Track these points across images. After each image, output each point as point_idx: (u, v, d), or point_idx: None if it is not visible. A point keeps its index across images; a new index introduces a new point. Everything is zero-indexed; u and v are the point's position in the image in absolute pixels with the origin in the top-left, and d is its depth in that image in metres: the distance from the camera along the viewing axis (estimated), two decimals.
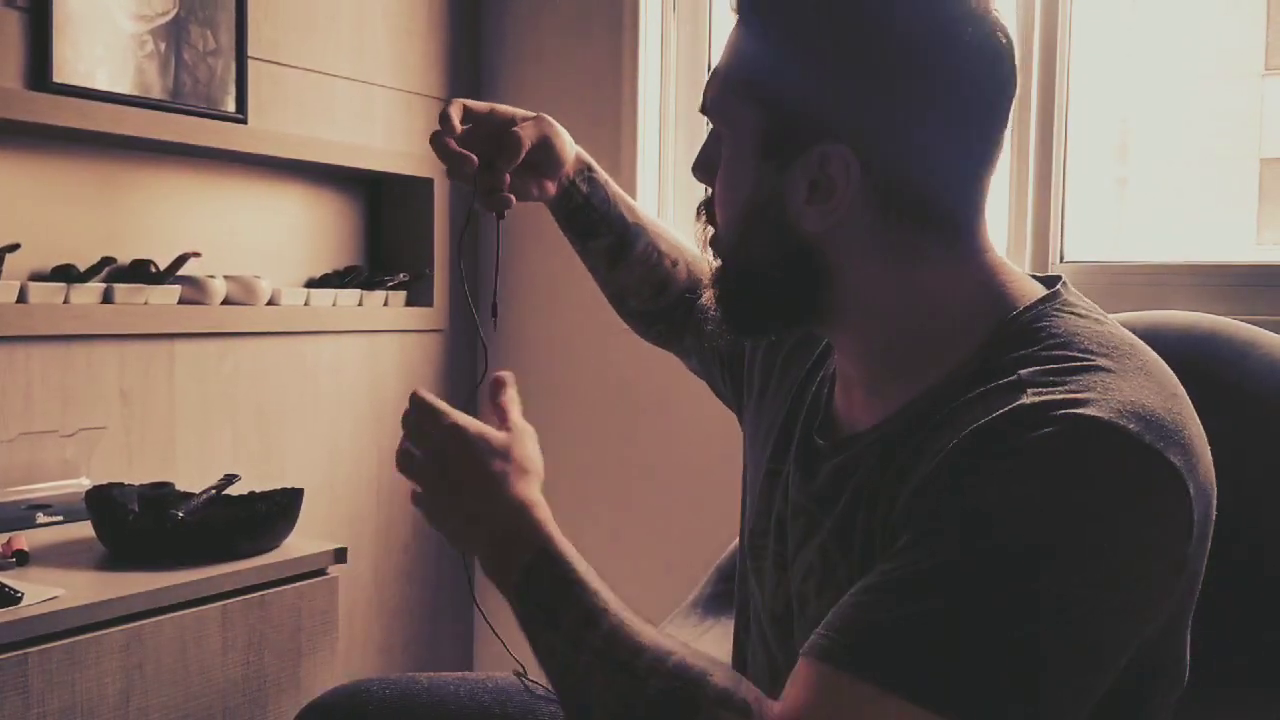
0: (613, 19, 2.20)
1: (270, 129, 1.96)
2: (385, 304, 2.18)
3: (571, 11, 2.27)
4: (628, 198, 1.18)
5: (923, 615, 0.65)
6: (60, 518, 1.62)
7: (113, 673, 1.31)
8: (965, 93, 0.77)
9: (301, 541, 1.58)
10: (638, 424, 2.23)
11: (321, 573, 1.56)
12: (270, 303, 1.96)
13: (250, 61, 1.92)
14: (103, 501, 1.49)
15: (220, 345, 1.92)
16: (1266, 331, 1.03)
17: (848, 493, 0.80)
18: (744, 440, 1.04)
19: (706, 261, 0.92)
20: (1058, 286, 0.82)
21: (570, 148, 1.12)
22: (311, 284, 2.13)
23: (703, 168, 0.87)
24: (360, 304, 2.13)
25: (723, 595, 1.40)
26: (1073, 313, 0.78)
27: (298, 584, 1.53)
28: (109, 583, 1.36)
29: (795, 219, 0.79)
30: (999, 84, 0.78)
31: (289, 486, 1.62)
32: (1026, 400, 0.69)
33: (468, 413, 0.91)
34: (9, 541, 1.44)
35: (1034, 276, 0.84)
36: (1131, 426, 0.67)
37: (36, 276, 1.70)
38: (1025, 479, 0.67)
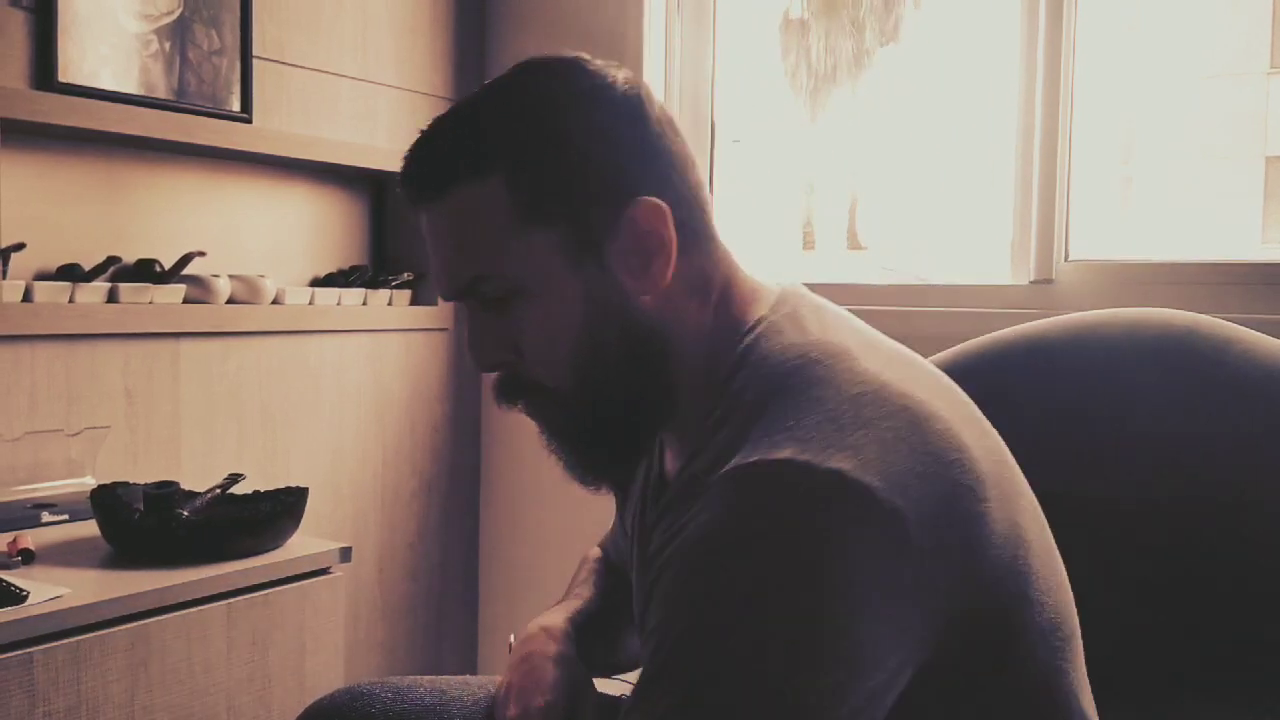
0: (617, 21, 2.20)
1: (275, 128, 1.96)
2: (390, 303, 2.18)
3: (576, 11, 2.27)
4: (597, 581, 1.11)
5: (669, 678, 0.66)
6: (65, 517, 1.62)
7: (117, 671, 1.31)
8: (642, 110, 0.80)
9: (306, 541, 1.59)
10: None
11: (325, 572, 1.56)
12: (275, 302, 1.97)
13: (255, 61, 1.93)
14: (108, 500, 1.49)
15: (225, 344, 1.92)
16: (1245, 329, 1.03)
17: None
18: None
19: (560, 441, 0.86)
20: (764, 314, 0.81)
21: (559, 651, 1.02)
22: (316, 283, 2.13)
23: (495, 347, 0.82)
24: (365, 303, 2.13)
25: None
26: (782, 331, 0.79)
27: (302, 583, 1.53)
28: (114, 582, 1.36)
29: (636, 298, 0.78)
30: (658, 128, 0.81)
31: (293, 486, 1.62)
32: (737, 462, 0.70)
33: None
34: (14, 540, 1.44)
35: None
36: (797, 455, 0.67)
37: (42, 276, 1.70)
38: (720, 545, 0.67)
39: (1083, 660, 0.79)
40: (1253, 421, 0.97)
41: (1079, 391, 1.04)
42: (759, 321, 0.80)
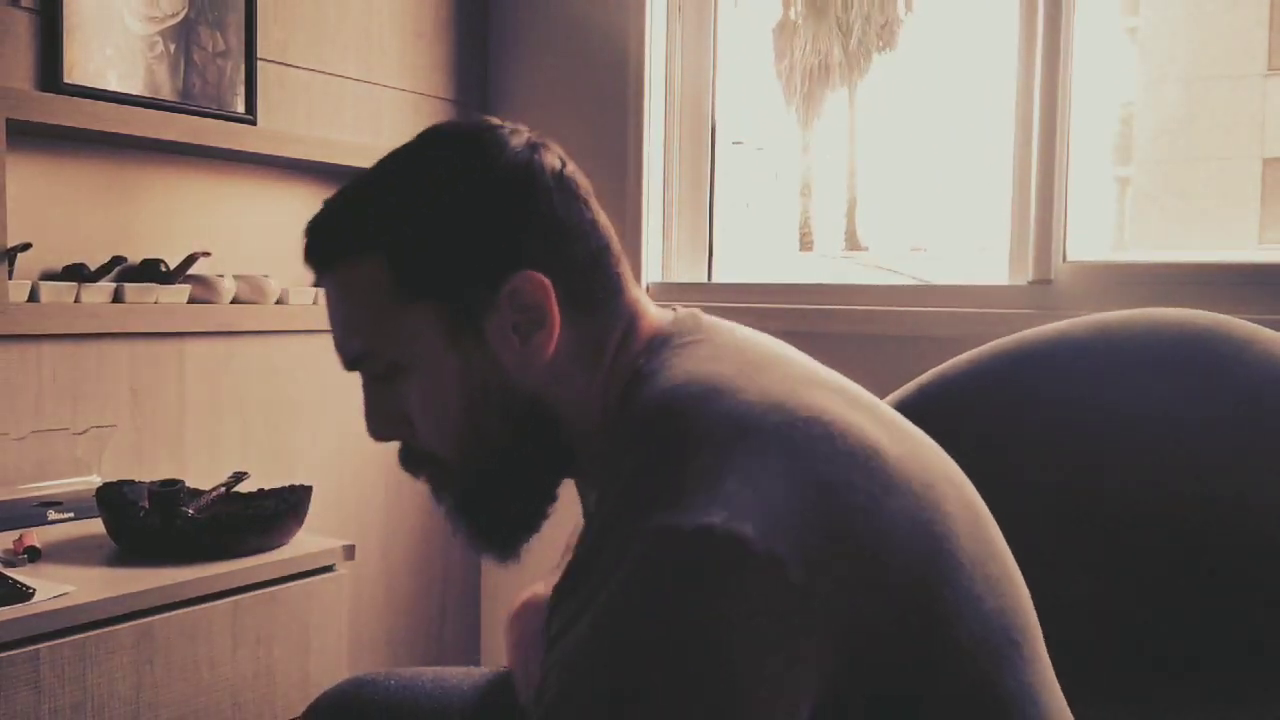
0: (618, 22, 2.21)
1: (279, 130, 1.97)
2: None
3: (579, 14, 2.28)
4: None
5: None
6: (71, 515, 1.63)
7: (123, 668, 1.32)
8: (529, 180, 0.80)
9: (310, 538, 1.59)
10: None
11: (330, 569, 1.57)
12: (279, 302, 1.98)
13: (259, 63, 1.94)
14: (113, 498, 1.50)
15: (229, 344, 1.93)
16: (1263, 328, 1.03)
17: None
18: None
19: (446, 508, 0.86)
20: (641, 361, 0.79)
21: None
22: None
23: (387, 420, 0.84)
24: None
25: None
26: (659, 369, 0.77)
27: (306, 580, 1.54)
28: (120, 579, 1.37)
29: (517, 373, 0.78)
30: (552, 198, 0.80)
31: (298, 484, 1.63)
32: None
33: None
34: (21, 538, 1.45)
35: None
36: (670, 520, 0.64)
37: (48, 276, 1.71)
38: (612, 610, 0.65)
39: (1045, 660, 0.76)
40: (1269, 421, 0.97)
41: (1100, 390, 1.05)
42: (638, 370, 0.79)
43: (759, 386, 0.72)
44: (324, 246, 0.82)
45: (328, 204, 0.83)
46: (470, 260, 0.78)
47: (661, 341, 0.80)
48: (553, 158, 0.82)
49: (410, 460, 0.85)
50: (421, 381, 0.80)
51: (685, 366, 0.76)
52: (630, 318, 0.82)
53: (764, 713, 0.63)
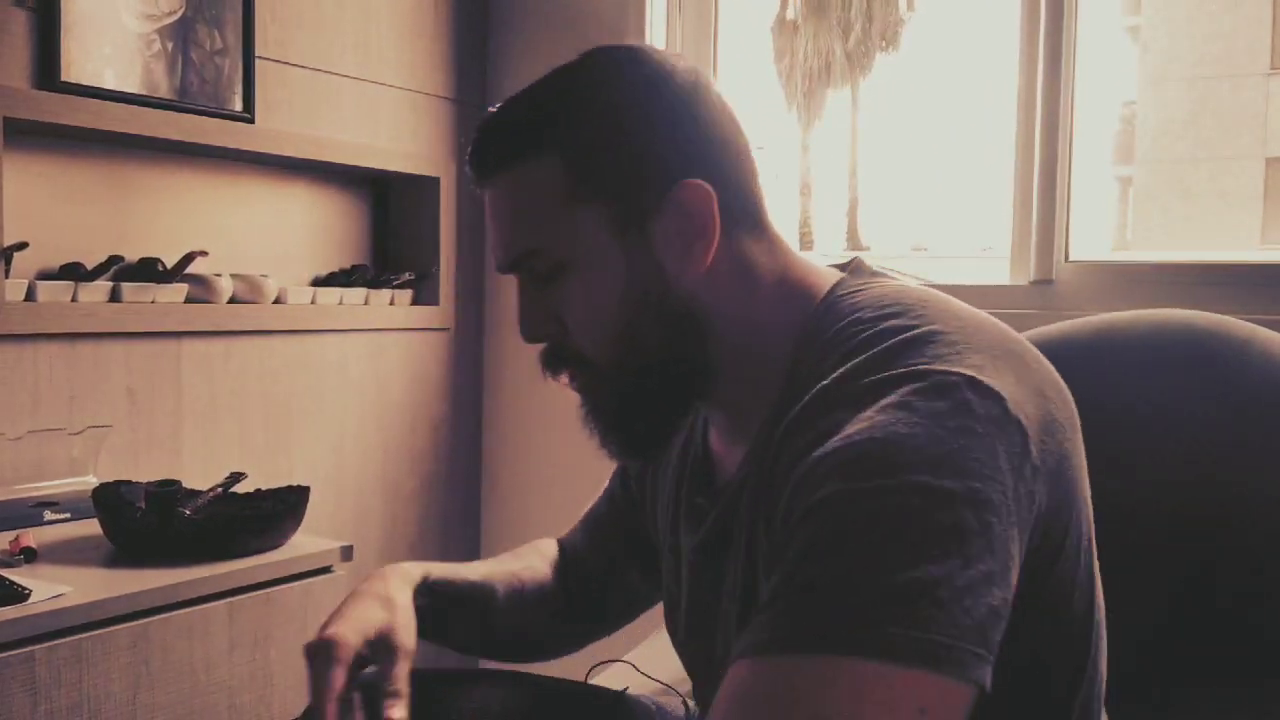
0: (619, 21, 2.21)
1: (277, 128, 1.97)
2: (391, 303, 2.19)
3: (578, 12, 2.27)
4: (479, 566, 1.09)
5: (826, 579, 0.64)
6: (67, 515, 1.62)
7: (119, 669, 1.31)
8: (699, 96, 0.83)
9: (308, 539, 1.59)
10: None
11: (327, 570, 1.57)
12: (277, 301, 1.97)
13: (257, 61, 1.93)
14: (110, 499, 1.50)
15: (227, 344, 1.93)
16: (1266, 329, 1.03)
17: (734, 537, 0.82)
18: (656, 541, 1.04)
19: (586, 408, 0.87)
20: (846, 272, 0.85)
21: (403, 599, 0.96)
22: (318, 282, 2.13)
23: (541, 321, 0.86)
24: (366, 303, 2.14)
25: None
26: (865, 284, 0.82)
27: (304, 582, 1.53)
28: (116, 580, 1.36)
29: (676, 278, 0.81)
30: (713, 116, 0.84)
31: (295, 484, 1.63)
32: (850, 404, 0.70)
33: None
34: (16, 539, 1.44)
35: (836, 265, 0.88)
36: (955, 371, 0.69)
37: (44, 275, 1.70)
38: (860, 451, 0.67)
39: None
40: (1270, 424, 0.97)
41: (1102, 391, 1.05)
42: (837, 285, 0.83)
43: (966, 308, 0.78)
44: (500, 149, 0.84)
45: (501, 109, 0.85)
46: (643, 164, 0.81)
47: (855, 269, 0.85)
48: (710, 83, 0.85)
49: (555, 360, 0.87)
50: (584, 281, 0.82)
51: (895, 282, 0.81)
52: (783, 254, 0.85)
53: (1012, 553, 0.66)
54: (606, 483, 1.14)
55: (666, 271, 0.81)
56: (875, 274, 0.86)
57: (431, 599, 0.98)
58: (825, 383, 0.73)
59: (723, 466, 0.90)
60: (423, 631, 0.94)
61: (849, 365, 0.73)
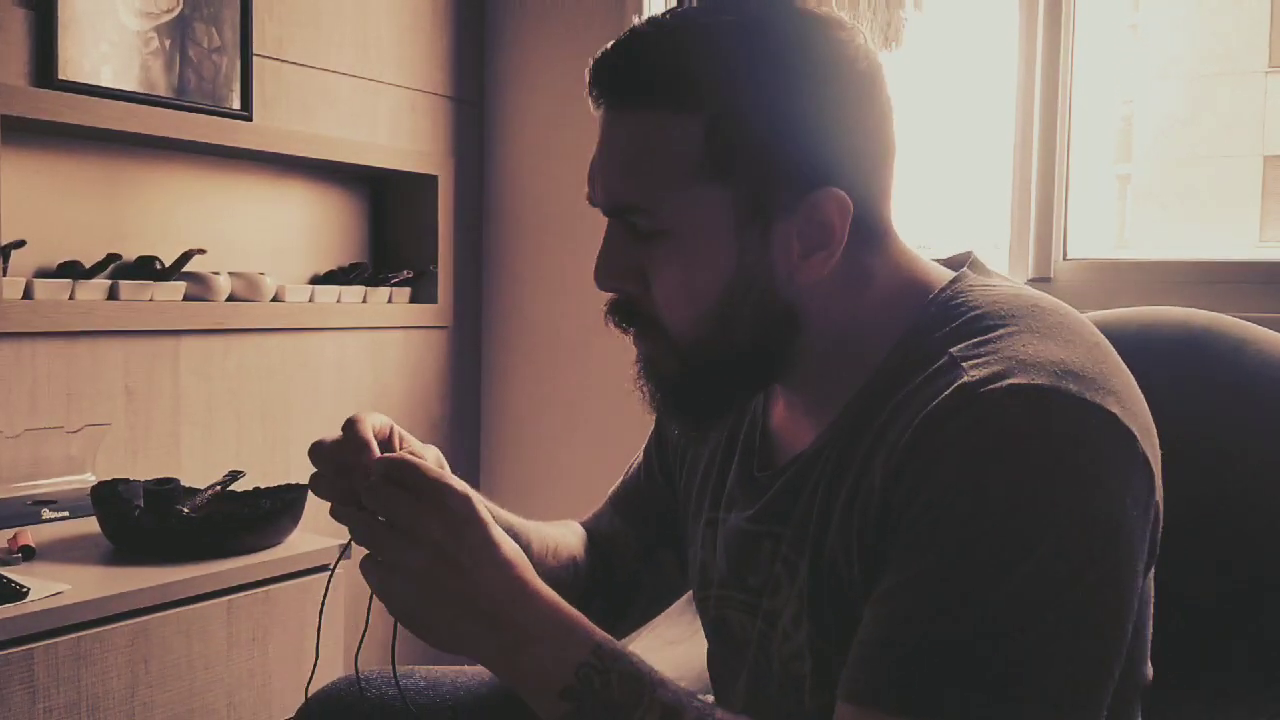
0: (617, 20, 2.20)
1: (275, 126, 1.97)
2: (389, 300, 2.19)
3: (576, 9, 2.27)
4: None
5: (946, 643, 0.64)
6: (66, 513, 1.62)
7: (118, 667, 1.31)
8: (875, 91, 0.76)
9: (306, 537, 1.59)
10: (635, 414, 2.23)
11: (325, 568, 1.57)
12: (275, 299, 1.97)
13: (255, 59, 1.93)
14: (108, 497, 1.50)
15: (225, 342, 1.92)
16: (1260, 327, 1.03)
17: (800, 505, 0.80)
18: (682, 514, 1.02)
19: (649, 372, 0.82)
20: (965, 266, 0.81)
21: None
22: (316, 281, 2.13)
23: (622, 273, 0.79)
24: (364, 301, 2.14)
25: None
26: (985, 284, 0.78)
27: (302, 579, 1.53)
28: (114, 578, 1.37)
29: (785, 280, 0.76)
30: (883, 113, 0.78)
31: (293, 483, 1.63)
32: (966, 378, 0.68)
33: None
34: (15, 537, 1.45)
35: (941, 261, 0.85)
36: (1070, 386, 0.66)
37: (42, 273, 1.70)
38: (986, 463, 0.65)
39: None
40: (1263, 424, 0.97)
41: None
42: (957, 279, 0.79)
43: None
44: (637, 83, 0.75)
45: (650, 35, 0.76)
46: (793, 160, 0.73)
47: (974, 264, 0.82)
48: (884, 73, 0.77)
49: (624, 315, 0.81)
50: (688, 255, 0.75)
51: (1009, 291, 0.78)
52: (904, 258, 0.81)
53: (1136, 564, 0.68)
54: (633, 462, 1.11)
55: (776, 272, 0.75)
56: (989, 274, 0.82)
57: None
58: (964, 379, 0.69)
59: (784, 442, 0.86)
60: None
61: (942, 355, 0.72)
